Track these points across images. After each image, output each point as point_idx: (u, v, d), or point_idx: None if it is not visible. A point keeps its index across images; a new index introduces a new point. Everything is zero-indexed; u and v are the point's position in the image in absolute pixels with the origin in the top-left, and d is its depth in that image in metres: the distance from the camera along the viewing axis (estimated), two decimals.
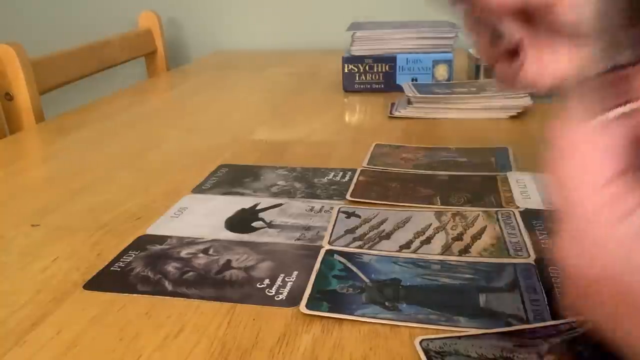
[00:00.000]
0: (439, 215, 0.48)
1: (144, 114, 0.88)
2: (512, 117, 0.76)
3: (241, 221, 0.48)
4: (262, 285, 0.38)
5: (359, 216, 0.48)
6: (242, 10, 1.47)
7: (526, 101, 0.76)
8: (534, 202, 0.49)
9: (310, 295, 0.37)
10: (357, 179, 0.56)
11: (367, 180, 0.56)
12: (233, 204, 0.52)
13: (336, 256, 0.42)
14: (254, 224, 0.48)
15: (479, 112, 0.77)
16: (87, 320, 0.35)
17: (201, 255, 0.43)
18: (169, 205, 0.52)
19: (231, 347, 0.33)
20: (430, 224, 0.46)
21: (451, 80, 0.92)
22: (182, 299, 0.37)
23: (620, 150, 0.18)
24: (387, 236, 0.44)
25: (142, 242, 0.45)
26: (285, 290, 0.38)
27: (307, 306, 0.35)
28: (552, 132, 0.19)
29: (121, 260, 0.42)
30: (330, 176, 0.57)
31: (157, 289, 0.38)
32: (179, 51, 1.53)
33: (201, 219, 0.49)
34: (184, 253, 0.43)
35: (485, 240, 0.43)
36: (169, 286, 0.39)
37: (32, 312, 0.36)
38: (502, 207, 0.49)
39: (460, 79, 0.96)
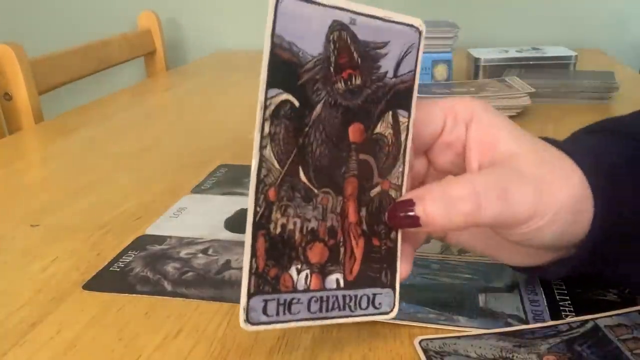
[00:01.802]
0: None
1: (144, 114, 0.88)
2: (512, 117, 0.76)
3: (241, 221, 0.48)
4: None
5: None
6: (242, 10, 1.47)
7: (525, 101, 0.76)
8: None
9: None
10: None
11: None
12: (233, 204, 0.52)
13: None
14: None
15: None
16: (87, 320, 0.35)
17: (200, 255, 0.43)
18: (168, 205, 0.52)
19: (231, 347, 0.33)
20: None
21: (450, 80, 0.92)
22: (181, 299, 0.37)
23: None
24: None
25: (141, 242, 0.45)
26: None
27: None
28: None
29: (121, 260, 0.42)
30: None
31: (156, 289, 0.38)
32: (178, 51, 1.53)
33: (201, 219, 0.49)
34: (183, 253, 0.43)
35: None
36: (168, 286, 0.39)
37: (32, 312, 0.36)
38: None
39: (459, 79, 0.96)
